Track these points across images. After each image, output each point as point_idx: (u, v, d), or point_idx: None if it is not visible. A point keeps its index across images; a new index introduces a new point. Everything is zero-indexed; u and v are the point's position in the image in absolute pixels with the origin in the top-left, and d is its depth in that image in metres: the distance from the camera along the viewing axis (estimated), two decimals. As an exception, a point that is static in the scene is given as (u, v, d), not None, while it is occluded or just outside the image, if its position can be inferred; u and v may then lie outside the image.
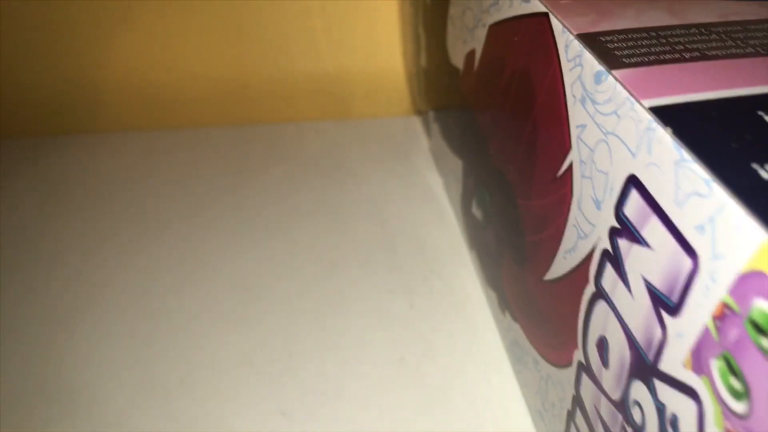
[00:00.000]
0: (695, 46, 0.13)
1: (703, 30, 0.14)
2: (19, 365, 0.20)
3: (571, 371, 0.14)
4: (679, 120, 0.11)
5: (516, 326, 0.18)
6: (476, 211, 0.21)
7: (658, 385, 0.11)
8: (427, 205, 0.27)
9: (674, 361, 0.10)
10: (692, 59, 0.13)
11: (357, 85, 0.33)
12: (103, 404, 0.19)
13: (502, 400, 0.19)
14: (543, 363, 0.16)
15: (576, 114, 0.13)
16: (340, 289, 0.23)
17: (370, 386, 0.19)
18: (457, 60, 0.20)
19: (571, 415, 0.15)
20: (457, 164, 0.23)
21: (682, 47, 0.13)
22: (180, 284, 0.23)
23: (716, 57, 0.12)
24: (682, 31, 0.14)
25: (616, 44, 0.13)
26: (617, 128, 0.12)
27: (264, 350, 0.20)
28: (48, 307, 0.22)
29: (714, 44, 0.13)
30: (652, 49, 0.13)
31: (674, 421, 0.10)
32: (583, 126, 0.13)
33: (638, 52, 0.13)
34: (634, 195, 0.11)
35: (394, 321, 0.22)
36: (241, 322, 0.21)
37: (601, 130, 0.12)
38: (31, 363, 0.20)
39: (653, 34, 0.14)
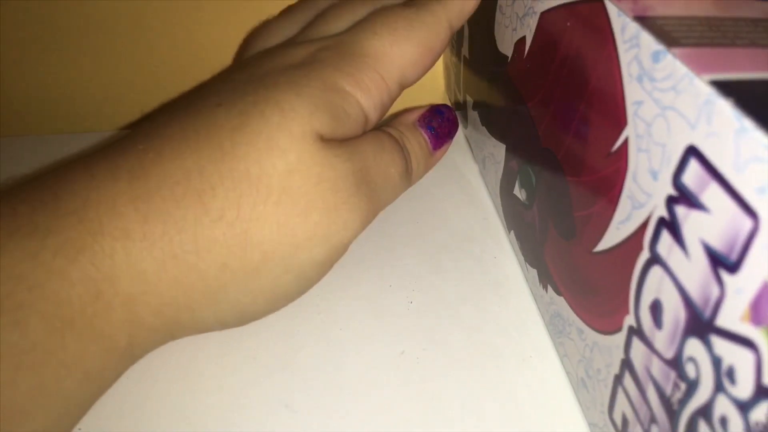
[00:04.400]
0: (745, 35, 0.14)
1: (750, 23, 0.14)
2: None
3: (621, 336, 0.15)
4: (737, 93, 0.11)
5: (559, 299, 0.19)
6: (519, 192, 0.22)
7: (715, 339, 0.12)
8: (461, 191, 0.27)
9: (732, 316, 0.11)
10: (744, 45, 0.13)
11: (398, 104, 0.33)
12: (104, 399, 0.19)
13: (542, 375, 0.20)
14: (589, 331, 0.17)
15: (632, 91, 0.14)
16: (343, 279, 0.23)
17: (372, 379, 0.20)
18: (506, 48, 0.21)
19: (618, 379, 0.16)
20: (498, 148, 0.24)
21: (732, 35, 0.14)
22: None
23: (767, 46, 0.13)
24: (731, 23, 0.14)
25: (671, 27, 0.14)
26: (675, 102, 0.13)
27: (267, 345, 0.21)
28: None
29: (762, 35, 0.14)
30: (705, 35, 0.14)
31: (731, 373, 0.11)
32: (640, 102, 0.14)
33: (692, 35, 0.14)
34: (693, 164, 0.12)
35: (422, 299, 0.23)
36: None
37: (658, 105, 0.13)
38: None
39: (704, 21, 0.14)
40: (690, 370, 0.12)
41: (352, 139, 0.20)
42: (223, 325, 0.20)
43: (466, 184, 0.28)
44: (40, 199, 0.17)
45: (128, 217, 0.17)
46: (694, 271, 0.12)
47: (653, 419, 0.14)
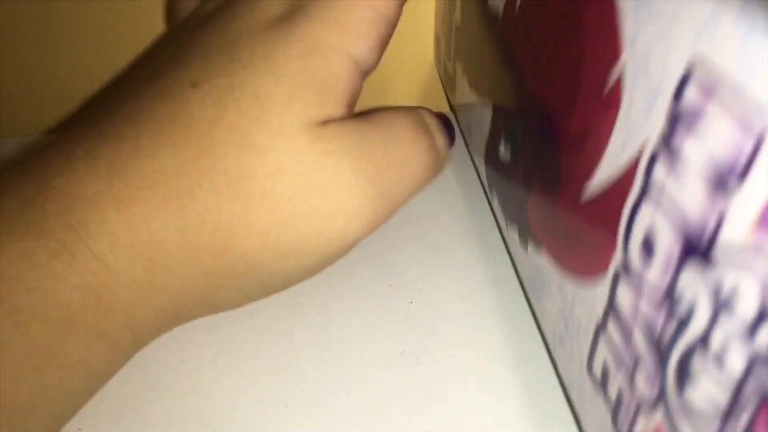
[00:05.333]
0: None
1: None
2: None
3: (606, 280, 0.14)
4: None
5: (540, 256, 0.18)
6: (504, 151, 0.21)
7: (714, 266, 0.11)
8: (461, 190, 0.27)
9: (733, 239, 0.10)
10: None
11: (387, 77, 0.32)
12: (105, 399, 0.19)
13: (543, 376, 0.20)
14: (570, 285, 0.16)
15: (628, 18, 0.13)
16: (343, 279, 0.23)
17: (372, 379, 0.20)
18: (495, 8, 0.20)
19: (601, 327, 0.15)
20: (485, 111, 0.23)
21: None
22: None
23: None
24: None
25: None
26: (674, 21, 0.12)
27: (267, 344, 0.21)
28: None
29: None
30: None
31: (730, 300, 0.10)
32: (637, 25, 0.13)
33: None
34: (692, 87, 0.11)
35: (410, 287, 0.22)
36: (243, 317, 0.21)
37: (657, 23, 0.12)
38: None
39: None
40: (684, 301, 0.12)
41: (356, 124, 0.18)
42: (220, 311, 0.20)
43: (466, 183, 0.28)
44: (26, 195, 0.17)
45: (114, 223, 0.16)
46: (692, 194, 0.11)
47: (638, 363, 0.13)
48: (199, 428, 0.18)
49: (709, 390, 0.11)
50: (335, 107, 0.18)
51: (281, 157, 0.17)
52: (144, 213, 0.17)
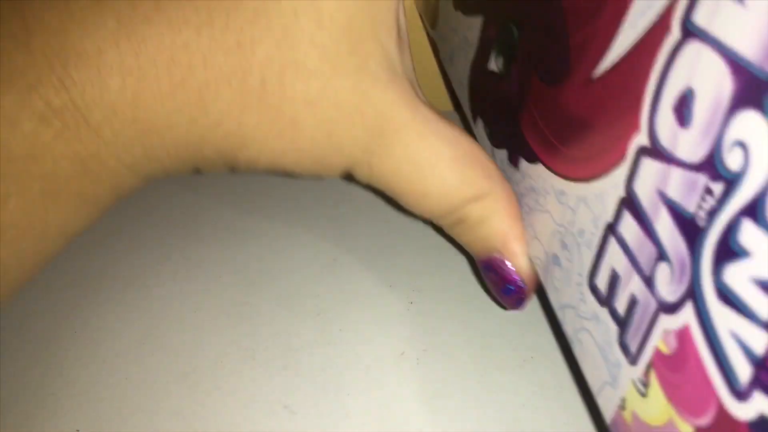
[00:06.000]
0: None
1: None
2: (21, 361, 0.20)
3: (623, 168, 0.12)
4: None
5: (534, 168, 0.16)
6: (495, 62, 0.19)
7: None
8: None
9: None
10: None
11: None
12: (104, 400, 0.19)
13: (543, 376, 0.19)
14: (573, 188, 0.14)
15: None
16: (343, 279, 0.23)
17: (372, 379, 0.19)
18: None
19: (611, 227, 0.12)
20: (472, 28, 0.21)
21: None
22: (182, 279, 0.23)
23: None
24: None
25: None
26: None
27: (266, 345, 0.20)
28: (50, 302, 0.22)
29: None
30: None
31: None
32: None
33: None
34: None
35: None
36: (243, 317, 0.21)
37: None
38: (32, 359, 0.20)
39: None
40: (733, 160, 0.09)
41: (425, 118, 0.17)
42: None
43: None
44: (10, 32, 0.14)
45: (117, 95, 0.14)
46: (751, 24, 0.09)
47: (661, 256, 0.11)
48: (198, 428, 0.18)
49: (760, 266, 0.09)
50: (388, 37, 0.16)
51: (310, 84, 0.15)
52: (154, 97, 0.14)
